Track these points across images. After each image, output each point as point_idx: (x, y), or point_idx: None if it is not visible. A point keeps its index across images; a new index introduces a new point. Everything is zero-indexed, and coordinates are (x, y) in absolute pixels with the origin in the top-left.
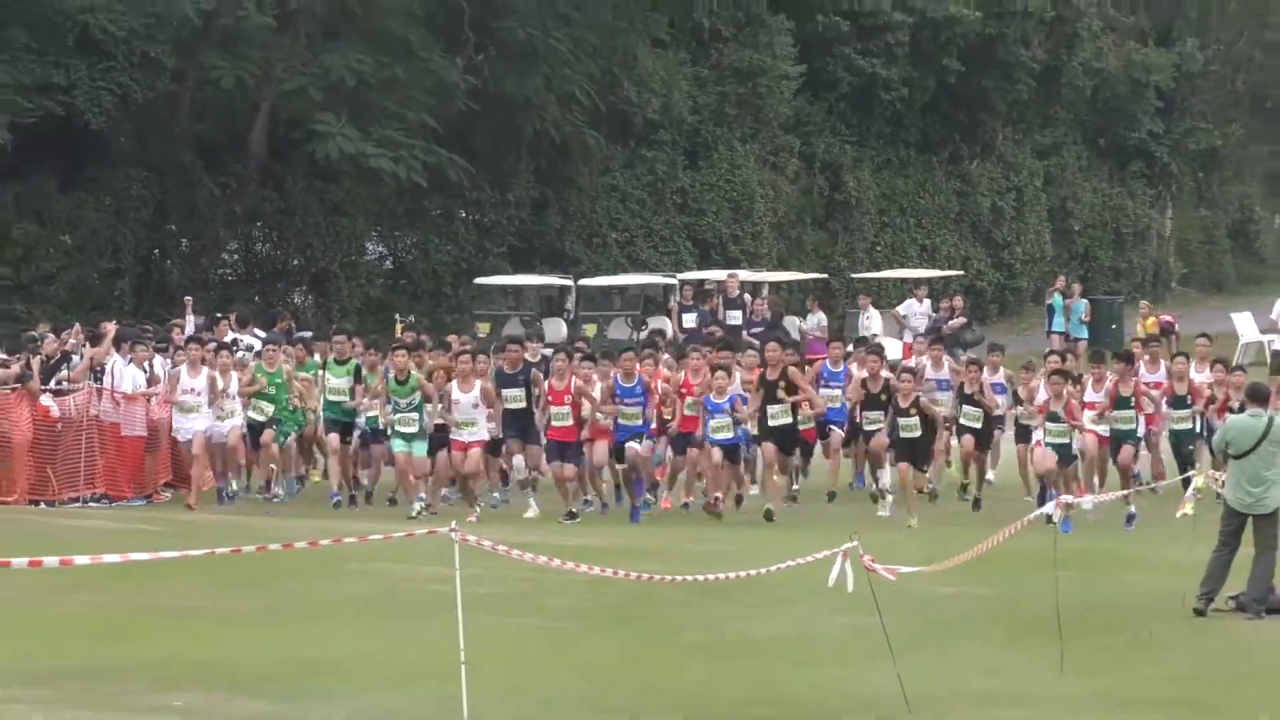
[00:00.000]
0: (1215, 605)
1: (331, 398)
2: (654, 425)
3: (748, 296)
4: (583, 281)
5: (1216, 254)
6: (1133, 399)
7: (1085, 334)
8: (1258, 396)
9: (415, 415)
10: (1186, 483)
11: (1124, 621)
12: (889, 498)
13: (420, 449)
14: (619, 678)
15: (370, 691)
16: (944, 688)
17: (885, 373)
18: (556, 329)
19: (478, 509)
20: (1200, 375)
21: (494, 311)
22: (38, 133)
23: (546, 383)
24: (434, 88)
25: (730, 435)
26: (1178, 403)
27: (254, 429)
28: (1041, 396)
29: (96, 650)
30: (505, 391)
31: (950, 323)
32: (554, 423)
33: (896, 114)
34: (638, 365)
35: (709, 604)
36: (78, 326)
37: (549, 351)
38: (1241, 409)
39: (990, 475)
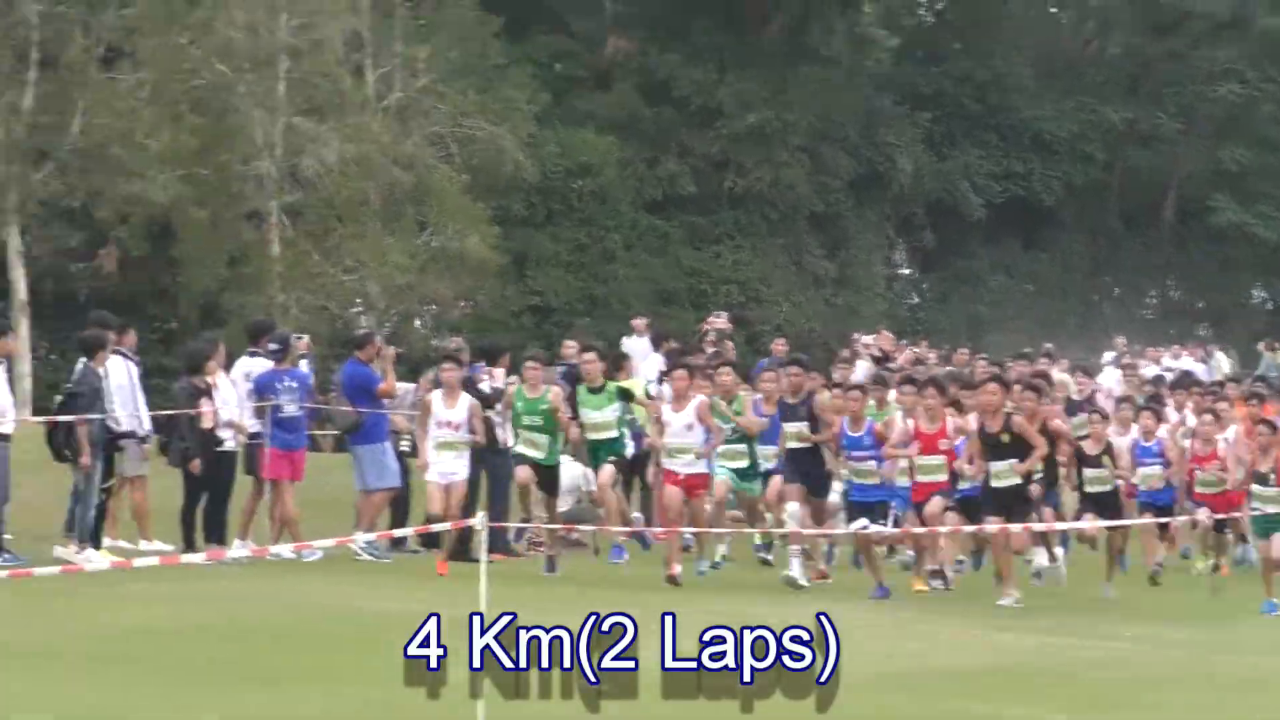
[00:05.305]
0: None
1: (593, 435)
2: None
3: None
4: None
5: None
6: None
7: None
8: None
9: (742, 447)
10: None
11: None
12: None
13: (754, 487)
14: None
15: None
16: None
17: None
18: None
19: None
20: None
21: None
22: (1005, 208)
23: (910, 423)
24: None
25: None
26: None
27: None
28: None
29: None
30: (787, 427)
31: None
32: (920, 476)
33: None
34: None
35: None
36: None
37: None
38: None
39: None
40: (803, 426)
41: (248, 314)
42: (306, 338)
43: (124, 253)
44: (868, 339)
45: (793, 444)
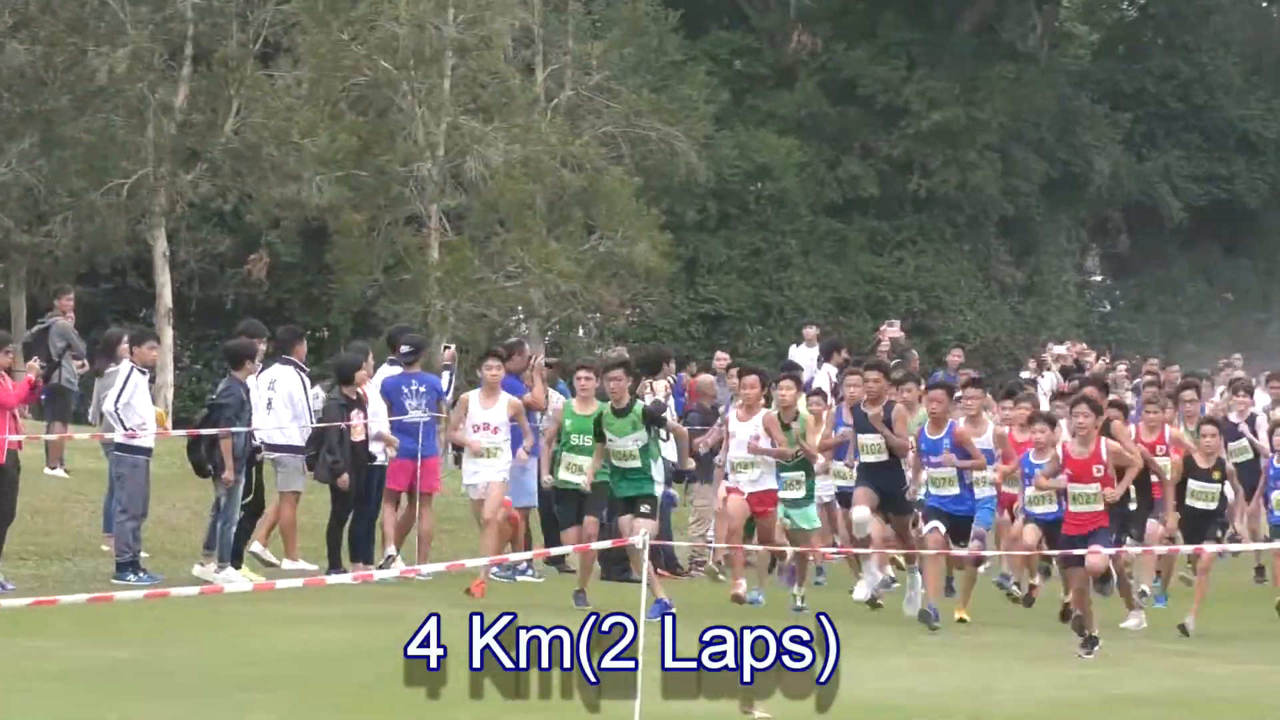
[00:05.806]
0: None
1: (619, 464)
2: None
3: None
4: None
5: None
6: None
7: None
8: None
9: (799, 474)
10: None
11: None
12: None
13: (807, 518)
14: None
15: None
16: None
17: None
18: None
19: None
20: None
21: None
22: (1206, 212)
23: (1060, 446)
24: None
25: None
26: None
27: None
28: None
29: None
30: (862, 438)
31: None
32: (1074, 506)
33: None
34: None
35: None
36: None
37: None
38: None
39: None
40: (879, 440)
41: (403, 322)
42: (453, 348)
43: (275, 258)
44: (1059, 349)
45: (869, 458)
